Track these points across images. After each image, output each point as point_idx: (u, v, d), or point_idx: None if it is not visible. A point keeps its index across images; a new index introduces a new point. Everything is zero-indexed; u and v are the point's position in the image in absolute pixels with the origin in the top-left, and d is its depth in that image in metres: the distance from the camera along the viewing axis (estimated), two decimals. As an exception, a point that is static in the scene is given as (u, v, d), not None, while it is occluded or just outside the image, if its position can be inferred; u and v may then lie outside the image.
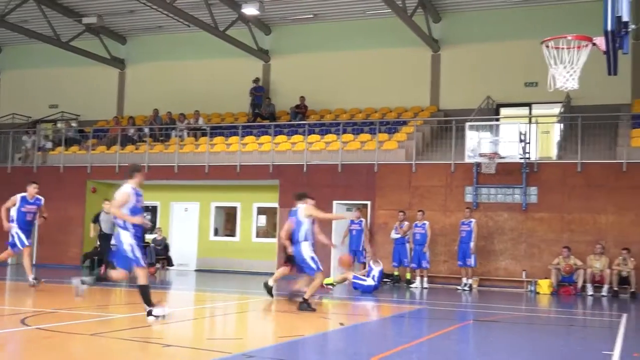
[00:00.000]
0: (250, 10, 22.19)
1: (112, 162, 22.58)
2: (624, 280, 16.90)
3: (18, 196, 13.66)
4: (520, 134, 18.22)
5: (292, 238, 11.47)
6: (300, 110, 23.83)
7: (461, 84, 22.76)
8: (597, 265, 17.15)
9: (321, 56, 24.50)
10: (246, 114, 24.89)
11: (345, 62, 24.18)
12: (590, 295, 16.84)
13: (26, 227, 13.71)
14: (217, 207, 23.18)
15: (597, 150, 18.65)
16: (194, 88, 25.78)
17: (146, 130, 24.10)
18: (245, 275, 20.73)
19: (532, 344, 8.96)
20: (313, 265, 11.23)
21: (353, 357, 7.50)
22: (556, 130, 20.72)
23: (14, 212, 13.57)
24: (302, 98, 23.89)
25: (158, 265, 20.60)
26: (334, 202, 19.87)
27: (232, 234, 23.10)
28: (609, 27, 9.05)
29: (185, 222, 23.38)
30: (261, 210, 22.66)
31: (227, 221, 23.57)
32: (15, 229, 13.52)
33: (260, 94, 24.52)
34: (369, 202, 19.55)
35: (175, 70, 26.29)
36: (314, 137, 21.63)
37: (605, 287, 16.89)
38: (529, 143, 18.28)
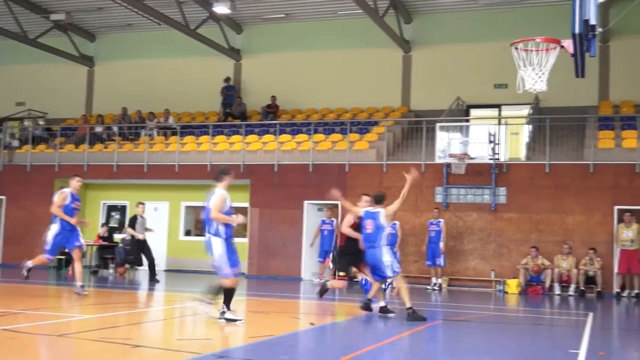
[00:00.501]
0: (221, 8, 22.10)
1: (80, 161, 22.31)
2: (590, 280, 17.14)
3: (67, 191, 12.43)
4: (490, 135, 18.38)
5: (367, 241, 10.71)
6: (272, 110, 23.79)
7: (432, 84, 22.90)
8: (564, 265, 17.37)
9: (292, 56, 24.48)
10: (217, 113, 24.78)
11: (316, 62, 24.19)
12: (558, 294, 17.06)
13: (71, 226, 12.48)
14: (187, 207, 23.02)
15: (565, 152, 18.90)
16: (164, 87, 25.60)
17: (115, 128, 23.88)
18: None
19: (500, 343, 9.05)
20: (388, 271, 10.60)
21: (323, 357, 7.50)
22: (525, 131, 20.94)
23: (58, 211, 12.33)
24: (274, 98, 23.85)
25: (127, 265, 20.39)
26: (305, 202, 19.89)
27: (202, 234, 22.90)
28: (577, 30, 9.19)
29: (154, 222, 23.15)
30: (231, 210, 22.55)
31: (198, 221, 23.42)
32: (55, 229, 12.35)
33: (231, 93, 24.44)
34: (339, 202, 19.56)
35: (145, 68, 26.07)
36: (285, 137, 21.60)
37: (572, 287, 17.12)
38: (498, 144, 18.45)
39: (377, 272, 10.78)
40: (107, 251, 20.72)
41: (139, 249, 18.08)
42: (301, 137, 21.56)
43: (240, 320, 9.28)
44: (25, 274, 12.52)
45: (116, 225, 23.21)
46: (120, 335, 8.37)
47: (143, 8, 21.41)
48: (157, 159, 21.98)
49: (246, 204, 20.73)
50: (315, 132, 21.41)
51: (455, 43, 22.79)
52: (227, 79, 24.63)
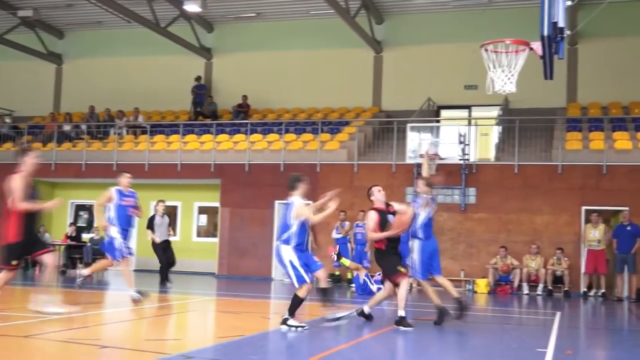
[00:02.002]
0: (192, 7, 21.97)
1: (47, 160, 21.97)
2: (558, 279, 17.36)
3: (112, 189, 11.71)
4: (460, 135, 18.51)
5: (429, 230, 10.19)
6: (243, 109, 23.70)
7: (403, 85, 23.00)
8: (532, 264, 17.56)
9: (264, 55, 24.42)
10: (187, 112, 24.63)
11: (288, 62, 24.16)
12: (526, 294, 17.23)
13: (127, 225, 11.67)
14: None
15: (534, 153, 19.10)
16: (133, 85, 25.37)
17: (84, 127, 23.61)
18: (185, 275, 20.49)
19: (469, 342, 9.10)
20: (440, 269, 10.23)
21: (292, 357, 7.49)
22: (494, 132, 21.12)
23: (111, 212, 11.52)
24: (245, 97, 23.76)
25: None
26: (276, 202, 19.83)
27: (172, 233, 22.73)
28: (546, 33, 9.29)
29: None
30: (202, 210, 22.43)
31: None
32: (115, 231, 11.43)
33: (202, 92, 24.31)
34: (310, 202, 19.54)
35: (114, 66, 25.81)
36: (256, 137, 21.54)
37: (541, 286, 17.32)
38: (468, 145, 18.59)
39: (427, 268, 10.19)
40: (75, 251, 20.50)
41: (161, 250, 16.87)
42: (272, 136, 21.51)
43: (305, 326, 8.90)
44: (138, 297, 11.45)
45: (84, 225, 22.95)
46: (89, 336, 8.27)
47: (113, 5, 21.20)
48: (127, 158, 21.76)
49: (217, 204, 20.64)
50: (287, 131, 21.38)
51: (426, 44, 22.91)
52: (198, 78, 24.49)
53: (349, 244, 18.32)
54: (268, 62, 24.38)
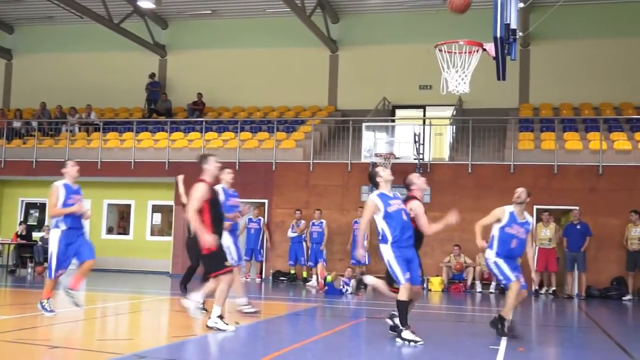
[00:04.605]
0: (145, 3, 21.74)
1: (-3, 157, 21.55)
2: (510, 278, 17.61)
3: (218, 188, 9.78)
4: (415, 135, 18.67)
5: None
6: (198, 107, 23.52)
7: (358, 84, 23.10)
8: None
9: (219, 53, 24.27)
10: (141, 110, 24.34)
11: (243, 60, 24.06)
12: (479, 292, 17.46)
13: (236, 228, 10.33)
14: (109, 205, 22.52)
15: (487, 152, 19.36)
16: (86, 82, 24.95)
17: (34, 124, 23.14)
18: (138, 275, 20.26)
19: (423, 339, 9.17)
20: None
21: (246, 356, 7.46)
22: (448, 132, 21.36)
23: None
24: (200, 95, 23.59)
25: (46, 264, 19.79)
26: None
27: (125, 232, 22.49)
28: (499, 34, 9.43)
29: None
30: (156, 208, 22.18)
31: (121, 219, 22.94)
32: (229, 239, 9.82)
33: (156, 89, 24.05)
34: (266, 201, 19.53)
35: (66, 62, 25.36)
36: (211, 135, 21.40)
37: (493, 284, 17.56)
38: (422, 144, 18.74)
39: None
40: (25, 250, 20.07)
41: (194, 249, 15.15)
42: (227, 135, 21.40)
43: (420, 341, 8.25)
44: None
45: (35, 224, 22.49)
46: (39, 336, 8.11)
47: (64, 0, 20.81)
48: (79, 155, 21.34)
49: (171, 202, 20.43)
50: (242, 130, 21.28)
51: (381, 44, 23.06)
52: (152, 75, 24.23)
53: (304, 243, 18.33)
54: (223, 60, 24.23)
